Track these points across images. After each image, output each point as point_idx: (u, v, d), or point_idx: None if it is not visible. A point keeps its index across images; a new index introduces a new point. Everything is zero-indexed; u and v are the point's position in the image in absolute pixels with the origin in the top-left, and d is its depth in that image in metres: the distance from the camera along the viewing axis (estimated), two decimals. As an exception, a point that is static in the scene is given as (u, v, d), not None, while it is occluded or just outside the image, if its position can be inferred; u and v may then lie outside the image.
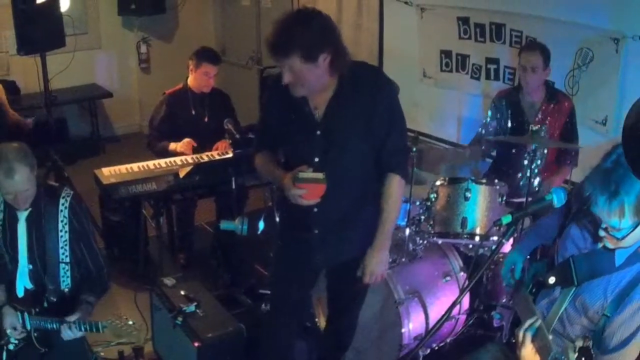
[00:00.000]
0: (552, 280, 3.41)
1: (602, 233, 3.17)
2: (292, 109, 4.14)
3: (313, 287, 4.98)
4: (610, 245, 3.21)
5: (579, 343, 3.23)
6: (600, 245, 3.29)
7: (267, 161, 4.37)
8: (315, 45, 3.83)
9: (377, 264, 4.35)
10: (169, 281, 5.56)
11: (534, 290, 3.60)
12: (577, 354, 3.20)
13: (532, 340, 3.20)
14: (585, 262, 3.33)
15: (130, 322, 4.29)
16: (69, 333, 4.25)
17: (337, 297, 4.84)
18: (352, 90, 4.08)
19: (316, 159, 4.12)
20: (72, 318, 4.23)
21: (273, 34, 3.87)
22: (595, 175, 3.10)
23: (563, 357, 3.13)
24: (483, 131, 6.35)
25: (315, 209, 4.17)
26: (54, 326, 4.32)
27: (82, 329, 4.25)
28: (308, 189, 3.99)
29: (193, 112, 7.12)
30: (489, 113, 6.28)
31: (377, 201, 4.29)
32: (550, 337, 3.18)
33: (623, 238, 3.09)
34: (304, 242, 4.38)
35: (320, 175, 3.99)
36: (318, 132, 4.13)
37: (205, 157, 6.83)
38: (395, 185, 4.26)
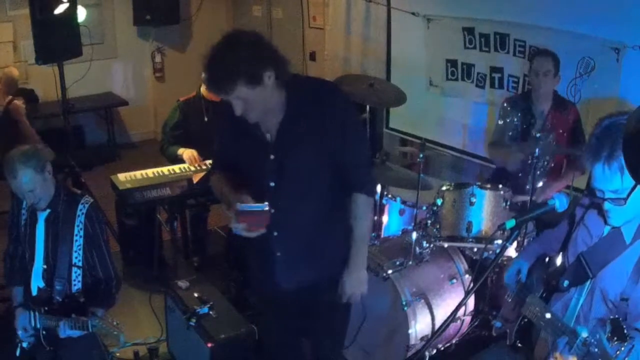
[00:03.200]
0: (566, 283, 3.42)
1: (607, 206, 3.18)
2: (244, 134, 3.92)
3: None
4: (617, 222, 3.23)
5: (609, 326, 3.19)
6: (606, 232, 3.33)
7: (220, 184, 4.06)
8: (256, 66, 3.56)
9: (354, 284, 4.11)
10: (182, 284, 5.57)
11: (544, 295, 3.60)
12: (609, 327, 3.16)
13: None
14: (596, 252, 3.35)
15: (115, 323, 4.31)
16: (65, 332, 4.33)
17: (313, 319, 4.42)
18: (301, 110, 3.82)
19: (271, 184, 3.92)
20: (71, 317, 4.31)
21: (209, 71, 3.62)
22: (589, 150, 3.14)
23: (593, 340, 3.10)
24: (496, 137, 6.33)
25: (275, 233, 3.96)
26: (53, 324, 4.40)
27: (73, 327, 4.32)
28: (250, 220, 3.76)
29: (205, 119, 7.13)
30: (499, 122, 6.24)
31: (346, 221, 4.06)
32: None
33: (628, 197, 3.08)
34: (268, 265, 4.14)
35: (262, 206, 3.73)
36: (272, 157, 3.89)
37: (198, 164, 6.87)
38: (360, 204, 4.02)
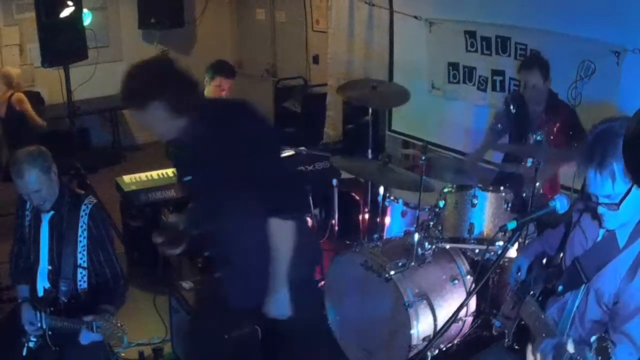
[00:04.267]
0: (561, 288, 3.42)
1: (601, 210, 3.19)
2: (175, 157, 4.10)
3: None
4: (611, 225, 3.24)
5: (595, 344, 3.21)
6: (600, 236, 3.34)
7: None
8: (139, 96, 3.75)
9: (271, 306, 4.02)
10: (186, 284, 5.58)
11: (540, 298, 3.60)
12: (594, 353, 3.17)
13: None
14: (590, 256, 3.35)
15: (119, 324, 4.31)
16: (89, 336, 4.31)
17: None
18: (204, 135, 3.84)
19: (191, 204, 4.04)
20: (87, 318, 4.27)
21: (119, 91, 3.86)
22: (582, 156, 3.15)
23: (579, 358, 3.11)
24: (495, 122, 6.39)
25: (206, 254, 4.06)
26: (65, 326, 4.40)
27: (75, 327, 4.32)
28: (167, 238, 3.88)
29: None
30: (497, 113, 6.30)
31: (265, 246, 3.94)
32: (568, 339, 3.18)
33: (621, 202, 3.10)
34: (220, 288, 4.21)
35: (177, 225, 3.87)
36: (188, 178, 4.02)
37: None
38: (274, 229, 3.89)
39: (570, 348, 3.09)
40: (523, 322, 3.52)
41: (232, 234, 3.97)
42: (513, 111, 6.19)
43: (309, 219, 4.99)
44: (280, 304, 4.00)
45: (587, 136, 3.19)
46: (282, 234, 3.91)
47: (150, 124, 3.82)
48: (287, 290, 3.99)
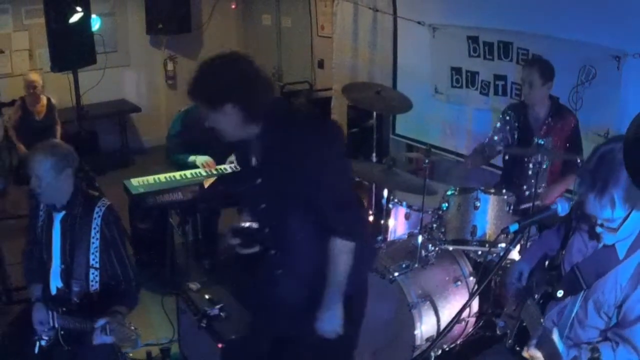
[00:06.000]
0: (560, 293, 3.42)
1: (599, 230, 3.21)
2: (244, 156, 4.02)
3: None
4: (609, 241, 3.25)
5: (588, 354, 3.22)
6: (600, 245, 3.33)
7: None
8: (216, 96, 3.67)
9: (324, 323, 3.94)
10: (194, 286, 5.58)
11: (541, 301, 3.61)
12: (589, 354, 3.19)
13: (540, 350, 3.22)
14: (590, 264, 3.35)
15: (133, 328, 4.32)
16: (101, 338, 4.30)
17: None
18: (274, 146, 3.78)
19: (262, 205, 3.94)
20: (101, 322, 4.26)
21: (193, 76, 3.77)
22: (582, 178, 3.17)
23: None
24: (487, 141, 6.35)
25: (273, 252, 3.99)
26: (78, 326, 4.40)
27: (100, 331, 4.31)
28: (242, 240, 3.90)
29: (207, 125, 7.14)
30: (497, 125, 6.28)
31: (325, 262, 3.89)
32: (563, 343, 3.19)
33: (619, 227, 3.13)
34: (269, 284, 4.15)
35: (251, 225, 3.87)
36: (259, 180, 3.93)
37: (228, 168, 6.87)
38: (335, 249, 3.84)
39: (555, 337, 3.11)
40: (524, 324, 3.52)
41: (297, 241, 3.94)
42: (513, 121, 6.17)
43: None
44: (332, 321, 3.96)
45: (589, 159, 3.19)
46: (340, 255, 3.87)
47: (219, 123, 3.76)
48: (341, 308, 3.96)
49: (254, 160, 3.93)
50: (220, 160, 7.04)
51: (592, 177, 3.10)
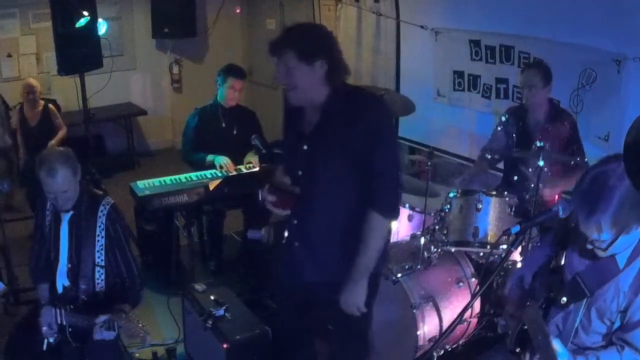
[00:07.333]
0: (564, 300, 3.42)
1: (589, 246, 3.23)
2: (294, 125, 4.08)
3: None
4: (601, 255, 3.26)
5: None
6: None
7: (277, 174, 4.22)
8: (312, 48, 3.78)
9: (348, 295, 3.99)
10: (199, 287, 5.59)
11: (544, 306, 3.61)
12: None
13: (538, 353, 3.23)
14: (591, 274, 3.35)
15: (141, 325, 4.32)
16: (102, 334, 4.32)
17: (327, 319, 4.33)
18: (337, 112, 3.86)
19: (300, 172, 4.00)
20: (102, 318, 4.29)
21: (282, 31, 3.90)
22: (575, 196, 3.20)
23: None
24: (489, 144, 6.36)
25: (295, 221, 4.05)
26: (84, 323, 4.41)
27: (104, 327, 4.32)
28: (278, 197, 3.96)
29: (223, 125, 7.17)
30: (497, 128, 6.29)
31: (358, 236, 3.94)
32: (567, 350, 3.21)
33: (607, 248, 3.16)
34: (288, 258, 4.21)
35: (289, 186, 3.97)
36: (305, 147, 3.97)
37: (234, 171, 6.89)
38: (372, 223, 3.89)
39: (557, 346, 3.13)
40: (525, 327, 3.52)
41: (333, 211, 3.99)
42: (513, 124, 6.17)
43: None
44: (358, 296, 4.00)
45: (582, 178, 3.21)
46: (377, 229, 3.93)
47: (302, 77, 3.80)
48: (366, 283, 4.01)
49: (306, 129, 4.00)
50: (237, 161, 7.06)
51: (583, 198, 3.13)
